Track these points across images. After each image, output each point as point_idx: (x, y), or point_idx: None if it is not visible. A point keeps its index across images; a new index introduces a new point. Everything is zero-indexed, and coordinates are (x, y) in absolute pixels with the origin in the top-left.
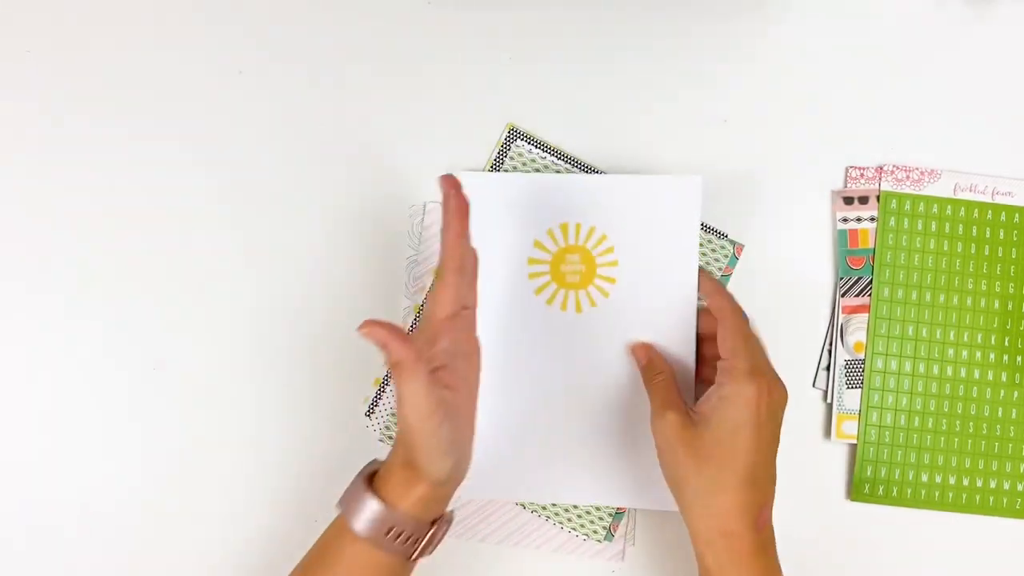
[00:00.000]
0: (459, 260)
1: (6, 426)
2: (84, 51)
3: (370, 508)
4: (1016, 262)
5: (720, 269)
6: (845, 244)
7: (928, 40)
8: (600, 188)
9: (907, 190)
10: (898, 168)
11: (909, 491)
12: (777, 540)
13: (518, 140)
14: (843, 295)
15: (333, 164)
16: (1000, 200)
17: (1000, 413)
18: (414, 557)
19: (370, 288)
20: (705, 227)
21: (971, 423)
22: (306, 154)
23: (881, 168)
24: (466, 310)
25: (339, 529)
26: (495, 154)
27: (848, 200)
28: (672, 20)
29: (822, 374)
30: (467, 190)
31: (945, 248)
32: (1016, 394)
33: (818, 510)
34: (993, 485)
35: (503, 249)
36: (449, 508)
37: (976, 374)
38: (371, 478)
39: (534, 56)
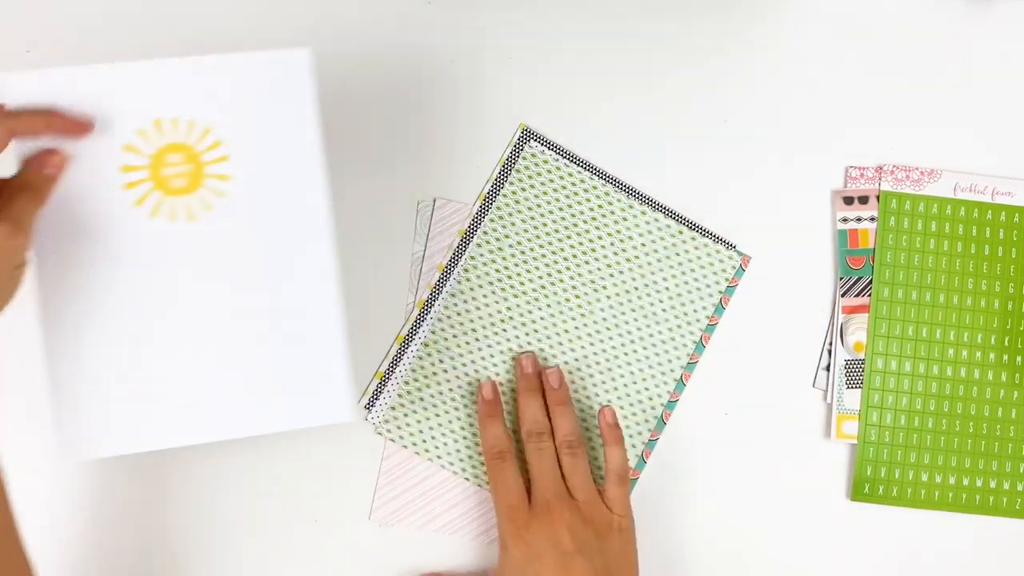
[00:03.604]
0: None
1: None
2: (84, 51)
3: None
4: (1016, 262)
5: (727, 279)
6: (845, 244)
7: (928, 40)
8: (192, 74)
9: (907, 190)
10: (898, 168)
11: (909, 491)
12: (777, 540)
13: (531, 141)
14: (843, 295)
15: (333, 163)
16: (1000, 200)
17: (1000, 413)
18: None
19: (374, 283)
20: (714, 236)
21: (971, 423)
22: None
23: (881, 168)
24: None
25: None
26: (507, 153)
27: (848, 200)
28: (672, 20)
29: (822, 374)
30: (28, 94)
31: (945, 248)
32: (1016, 394)
33: (818, 510)
34: (993, 485)
35: (89, 159)
36: None
37: (976, 374)
38: None
39: (534, 56)
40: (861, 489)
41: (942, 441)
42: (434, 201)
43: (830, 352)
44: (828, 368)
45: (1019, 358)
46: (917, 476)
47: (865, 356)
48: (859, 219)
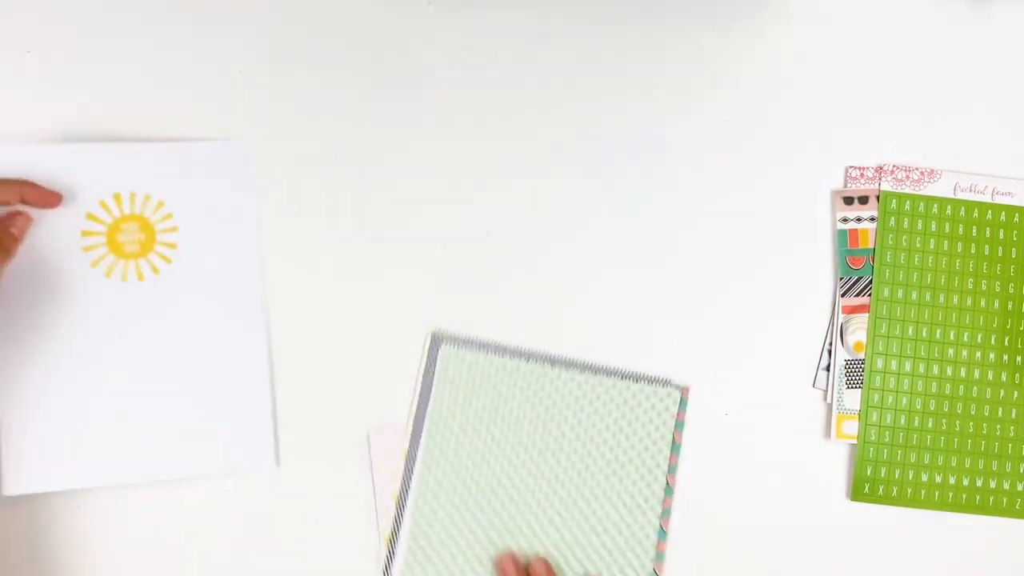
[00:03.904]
0: None
1: None
2: (84, 51)
3: None
4: (1016, 262)
5: (672, 417)
6: (845, 244)
7: (928, 40)
8: (154, 156)
9: (907, 190)
10: (898, 168)
11: (909, 491)
12: (777, 540)
13: (443, 344)
14: (843, 295)
15: (333, 164)
16: (1000, 200)
17: (1000, 413)
18: None
19: (375, 289)
20: (647, 379)
21: (971, 423)
22: (306, 153)
23: (881, 168)
24: None
25: None
26: (423, 364)
27: (848, 200)
28: (672, 21)
29: (822, 374)
30: (4, 164)
31: (945, 248)
32: (1016, 394)
33: (818, 510)
34: (993, 485)
35: (53, 224)
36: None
37: (976, 374)
38: None
39: (534, 56)
40: (861, 489)
41: (942, 441)
42: (368, 435)
43: (830, 352)
44: (828, 368)
45: (1019, 358)
46: (917, 476)
47: (865, 356)
48: (859, 219)
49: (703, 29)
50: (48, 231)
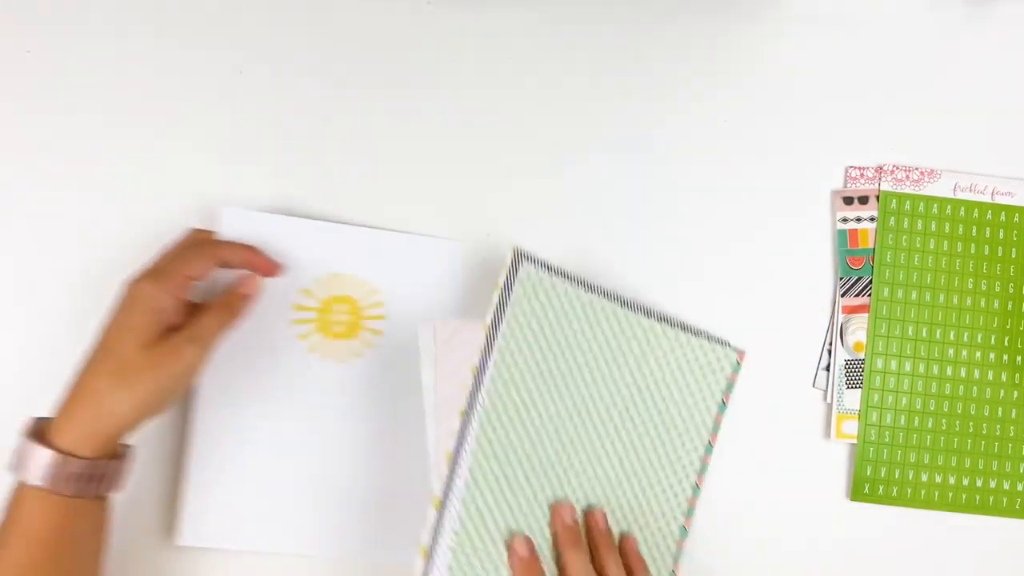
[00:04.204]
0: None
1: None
2: (84, 51)
3: (38, 456)
4: (1016, 262)
5: (726, 378)
6: (845, 244)
7: (928, 40)
8: (370, 241)
9: (907, 190)
10: (898, 168)
11: (909, 491)
12: (777, 540)
13: (524, 263)
14: (843, 295)
15: (333, 163)
16: (1000, 200)
17: (1000, 413)
18: (100, 495)
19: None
20: (709, 337)
21: (971, 423)
22: (305, 154)
23: (881, 168)
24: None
25: (17, 489)
26: (503, 279)
27: (848, 200)
28: (672, 21)
29: (822, 374)
30: (234, 227)
31: (945, 248)
32: (1016, 394)
33: (818, 510)
34: (993, 485)
35: (269, 293)
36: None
37: (976, 374)
38: (39, 432)
39: (533, 55)
40: (861, 489)
41: (942, 441)
42: (434, 325)
43: (830, 352)
44: (828, 368)
45: (1019, 358)
46: (917, 476)
47: (865, 356)
48: (859, 219)
49: (703, 29)
50: (264, 300)
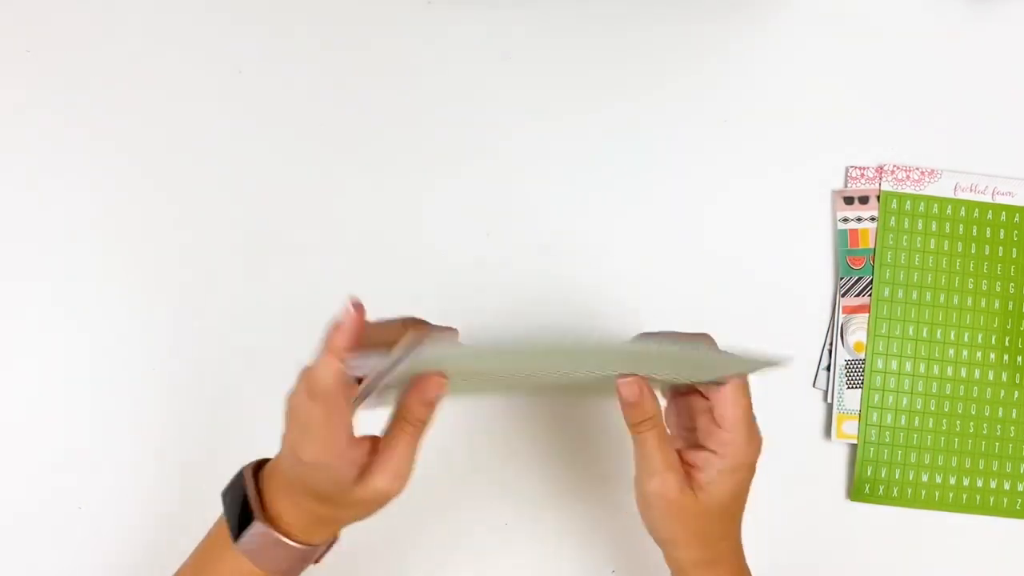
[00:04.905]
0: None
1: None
2: (84, 51)
3: (263, 534)
4: (1016, 262)
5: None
6: (845, 244)
7: (928, 40)
8: None
9: (907, 190)
10: (898, 168)
11: (909, 491)
12: (777, 540)
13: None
14: (843, 295)
15: (333, 163)
16: (1000, 200)
17: (1000, 413)
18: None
19: (372, 286)
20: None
21: (971, 423)
22: (306, 154)
23: (881, 168)
24: None
25: (226, 542)
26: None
27: (848, 200)
28: (672, 20)
29: (822, 374)
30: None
31: (945, 248)
32: (1016, 394)
33: (818, 510)
34: (993, 485)
35: None
36: None
37: (976, 374)
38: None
39: (534, 55)
40: (861, 489)
41: (942, 441)
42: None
43: (830, 352)
44: (828, 368)
45: (1019, 358)
46: (917, 476)
47: (865, 356)
48: (859, 219)
49: (703, 29)
50: None
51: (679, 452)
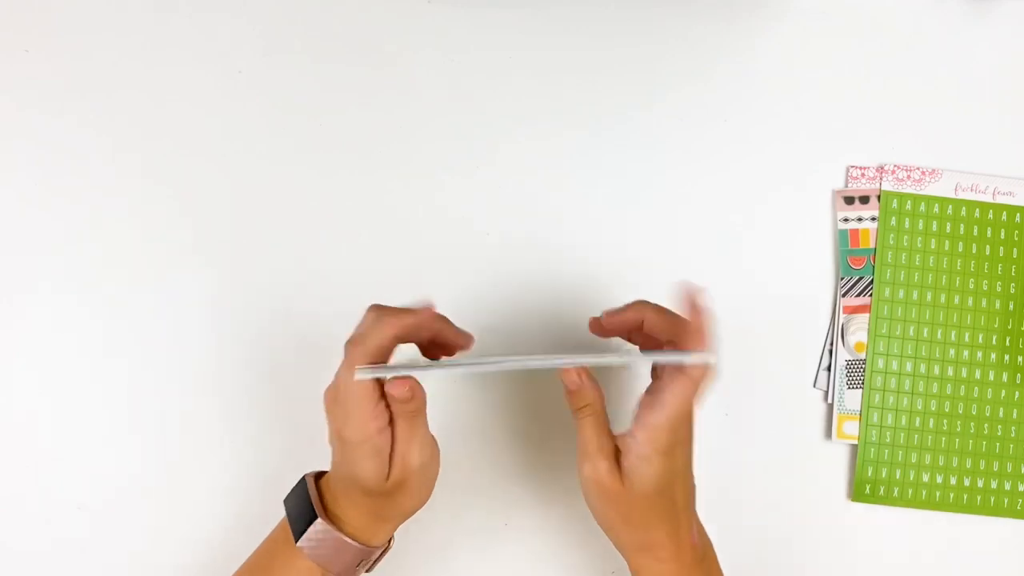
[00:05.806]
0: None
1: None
2: (83, 51)
3: (324, 531)
4: (1017, 262)
5: None
6: (846, 244)
7: (928, 39)
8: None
9: (908, 190)
10: (899, 168)
11: (910, 491)
12: (777, 540)
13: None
14: (844, 295)
15: (333, 163)
16: (1001, 200)
17: (1001, 413)
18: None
19: (371, 286)
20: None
21: (972, 423)
22: (306, 154)
23: (882, 168)
24: None
25: (287, 543)
26: None
27: (849, 200)
28: (672, 20)
29: (823, 374)
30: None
31: (946, 248)
32: (1017, 394)
33: (819, 510)
34: (994, 485)
35: None
36: None
37: (977, 374)
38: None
39: (534, 55)
40: (862, 490)
41: (943, 441)
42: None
43: (831, 352)
44: (829, 368)
45: (1020, 358)
46: (918, 476)
47: (866, 356)
48: (860, 219)
49: (703, 28)
50: None
51: (617, 437)
